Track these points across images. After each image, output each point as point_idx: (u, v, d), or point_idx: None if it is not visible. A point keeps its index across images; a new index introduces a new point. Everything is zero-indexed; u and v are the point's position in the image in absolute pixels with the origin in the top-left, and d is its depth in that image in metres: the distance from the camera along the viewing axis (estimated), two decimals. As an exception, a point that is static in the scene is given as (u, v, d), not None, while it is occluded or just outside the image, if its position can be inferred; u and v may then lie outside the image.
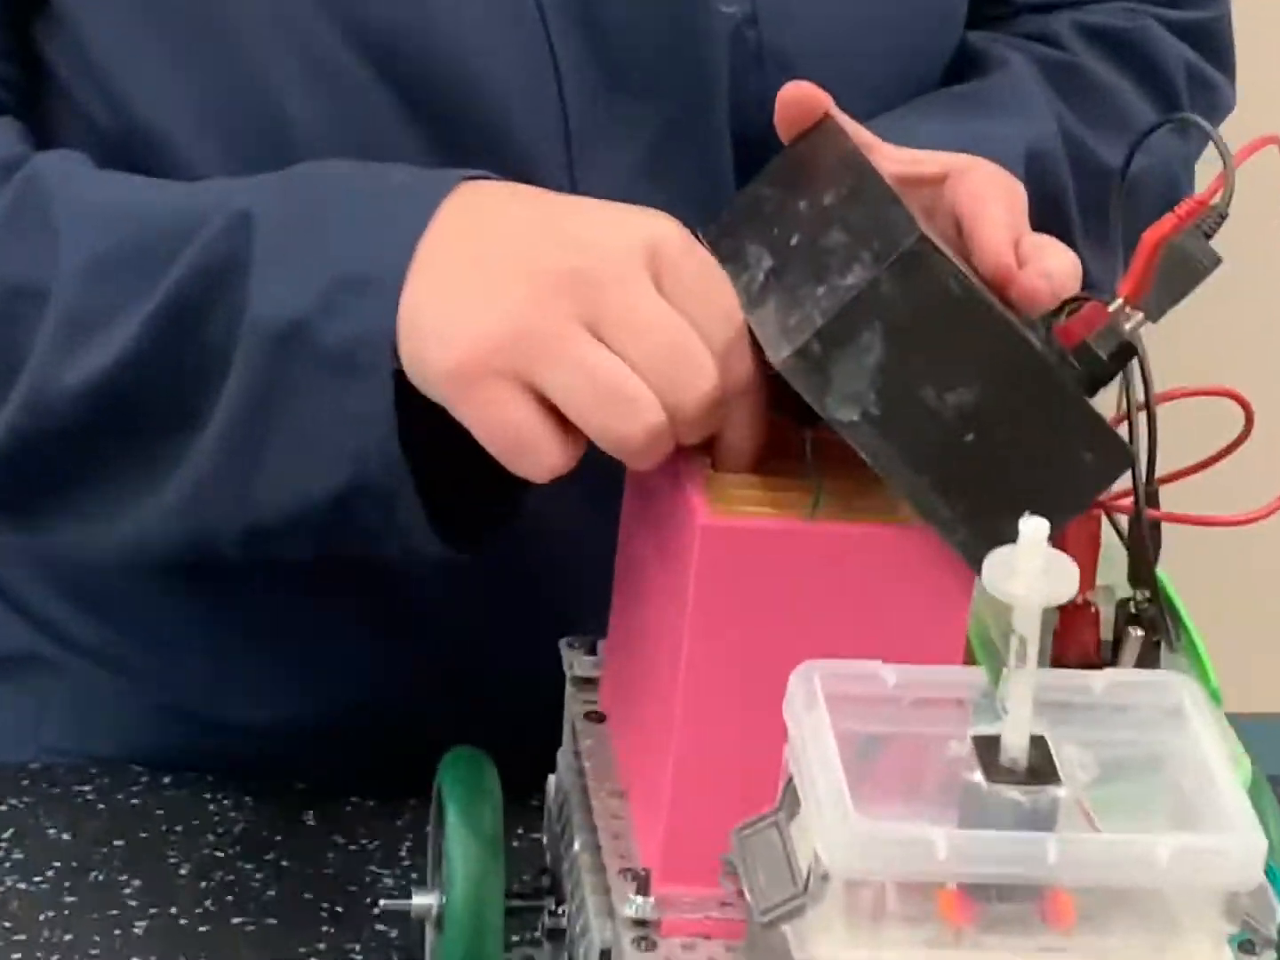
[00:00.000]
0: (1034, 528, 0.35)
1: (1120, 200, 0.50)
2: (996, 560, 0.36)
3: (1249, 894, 0.36)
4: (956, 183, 0.51)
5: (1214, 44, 0.73)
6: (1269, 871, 0.37)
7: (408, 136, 0.56)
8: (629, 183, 0.57)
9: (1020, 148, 0.61)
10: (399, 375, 0.46)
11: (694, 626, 0.43)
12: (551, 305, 0.44)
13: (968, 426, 0.43)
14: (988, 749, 0.36)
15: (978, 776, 0.36)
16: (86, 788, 0.66)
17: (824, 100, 0.49)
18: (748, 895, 0.37)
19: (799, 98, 0.48)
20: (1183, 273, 0.45)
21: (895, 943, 0.36)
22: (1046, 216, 0.55)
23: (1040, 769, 0.36)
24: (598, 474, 0.46)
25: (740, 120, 0.59)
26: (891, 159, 0.49)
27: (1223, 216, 0.46)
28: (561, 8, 0.56)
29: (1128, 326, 0.45)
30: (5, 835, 0.63)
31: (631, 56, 0.58)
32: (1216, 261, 0.45)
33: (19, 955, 0.57)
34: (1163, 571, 0.47)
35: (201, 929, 0.58)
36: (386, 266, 0.46)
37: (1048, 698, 0.38)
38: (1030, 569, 0.35)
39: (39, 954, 0.57)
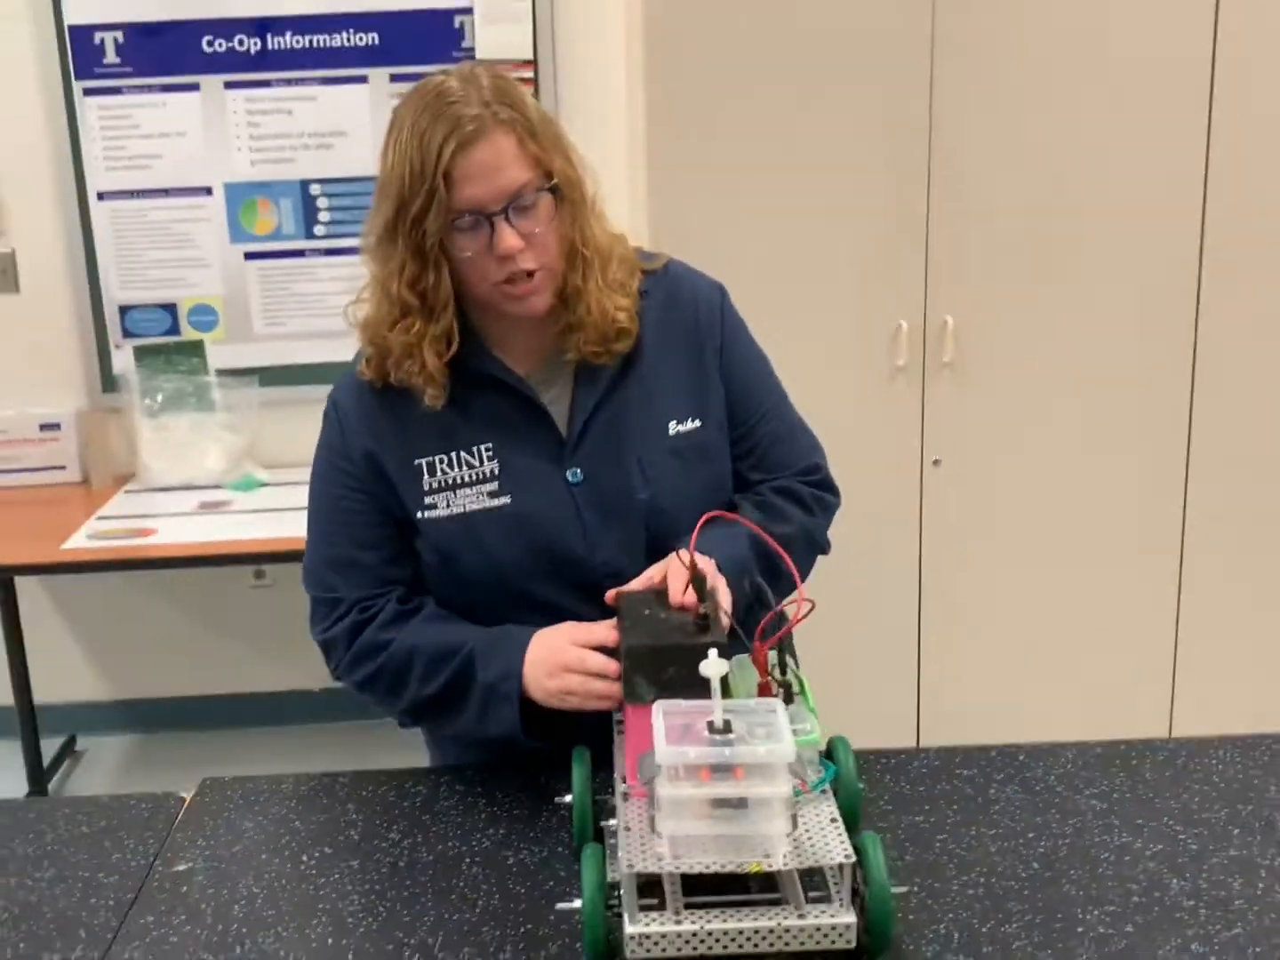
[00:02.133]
0: (715, 662, 1.19)
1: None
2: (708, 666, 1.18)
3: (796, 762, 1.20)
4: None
5: (826, 483, 1.67)
6: (824, 763, 1.29)
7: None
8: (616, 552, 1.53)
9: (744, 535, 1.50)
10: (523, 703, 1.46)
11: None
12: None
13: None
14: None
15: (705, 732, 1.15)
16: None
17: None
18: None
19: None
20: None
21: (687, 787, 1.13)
22: (757, 554, 1.50)
23: (728, 728, 1.15)
24: None
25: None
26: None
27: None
28: (589, 502, 1.54)
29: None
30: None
31: (602, 514, 1.52)
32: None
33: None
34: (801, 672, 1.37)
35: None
36: (515, 674, 1.45)
37: (734, 708, 1.18)
38: (713, 668, 1.18)
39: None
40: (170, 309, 3.37)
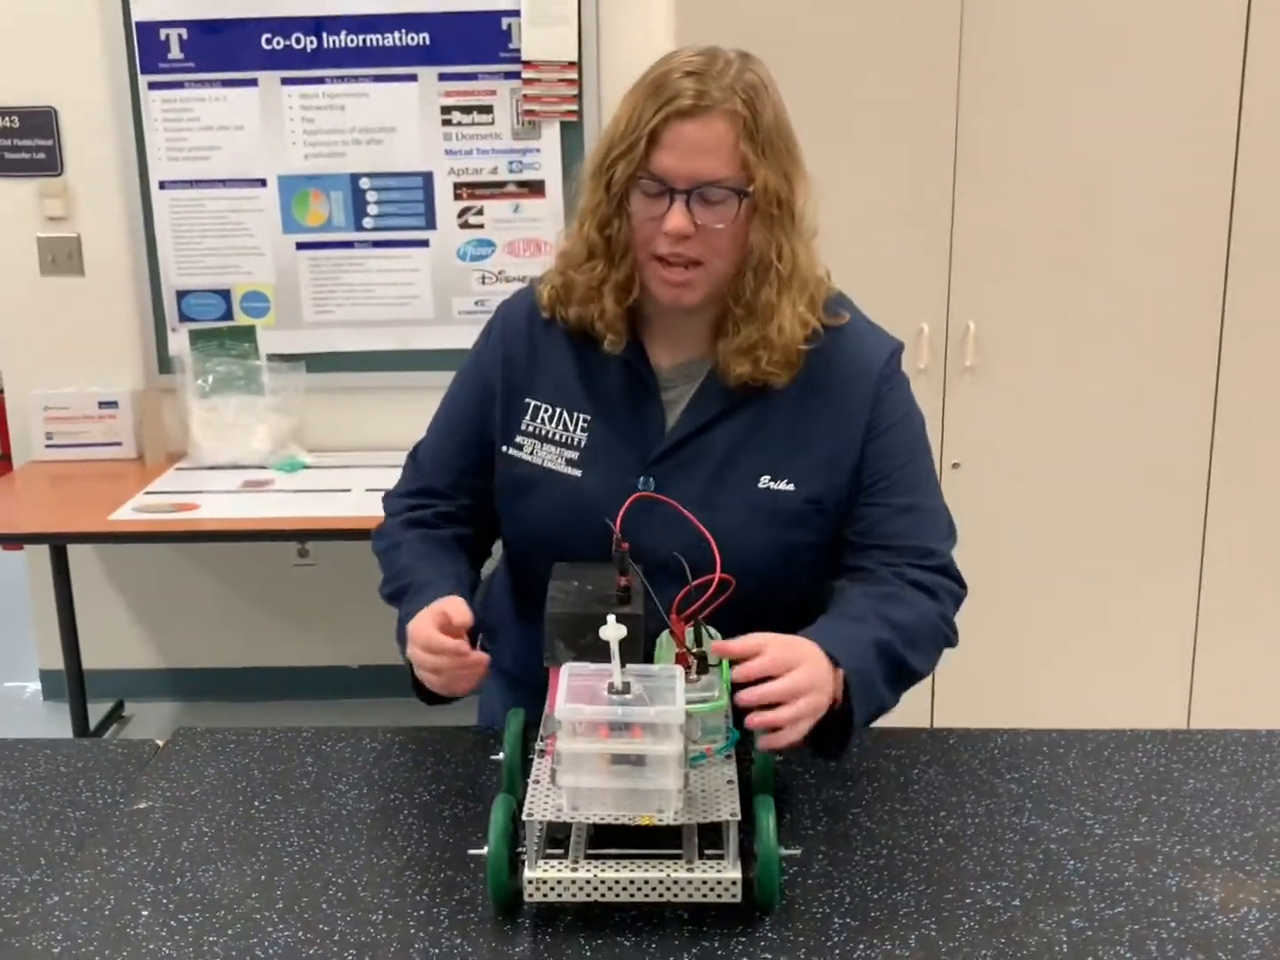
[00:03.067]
0: (613, 627, 1.26)
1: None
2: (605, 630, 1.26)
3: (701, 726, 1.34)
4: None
5: (947, 570, 1.54)
6: (731, 731, 1.34)
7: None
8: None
9: (870, 639, 1.42)
10: None
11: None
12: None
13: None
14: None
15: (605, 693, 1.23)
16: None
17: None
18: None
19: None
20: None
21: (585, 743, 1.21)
22: (885, 667, 1.43)
23: (627, 689, 1.23)
24: None
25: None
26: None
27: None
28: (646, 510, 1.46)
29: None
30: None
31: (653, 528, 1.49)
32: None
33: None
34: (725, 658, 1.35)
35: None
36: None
37: (639, 672, 1.26)
38: (611, 631, 1.26)
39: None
40: (224, 295, 3.50)
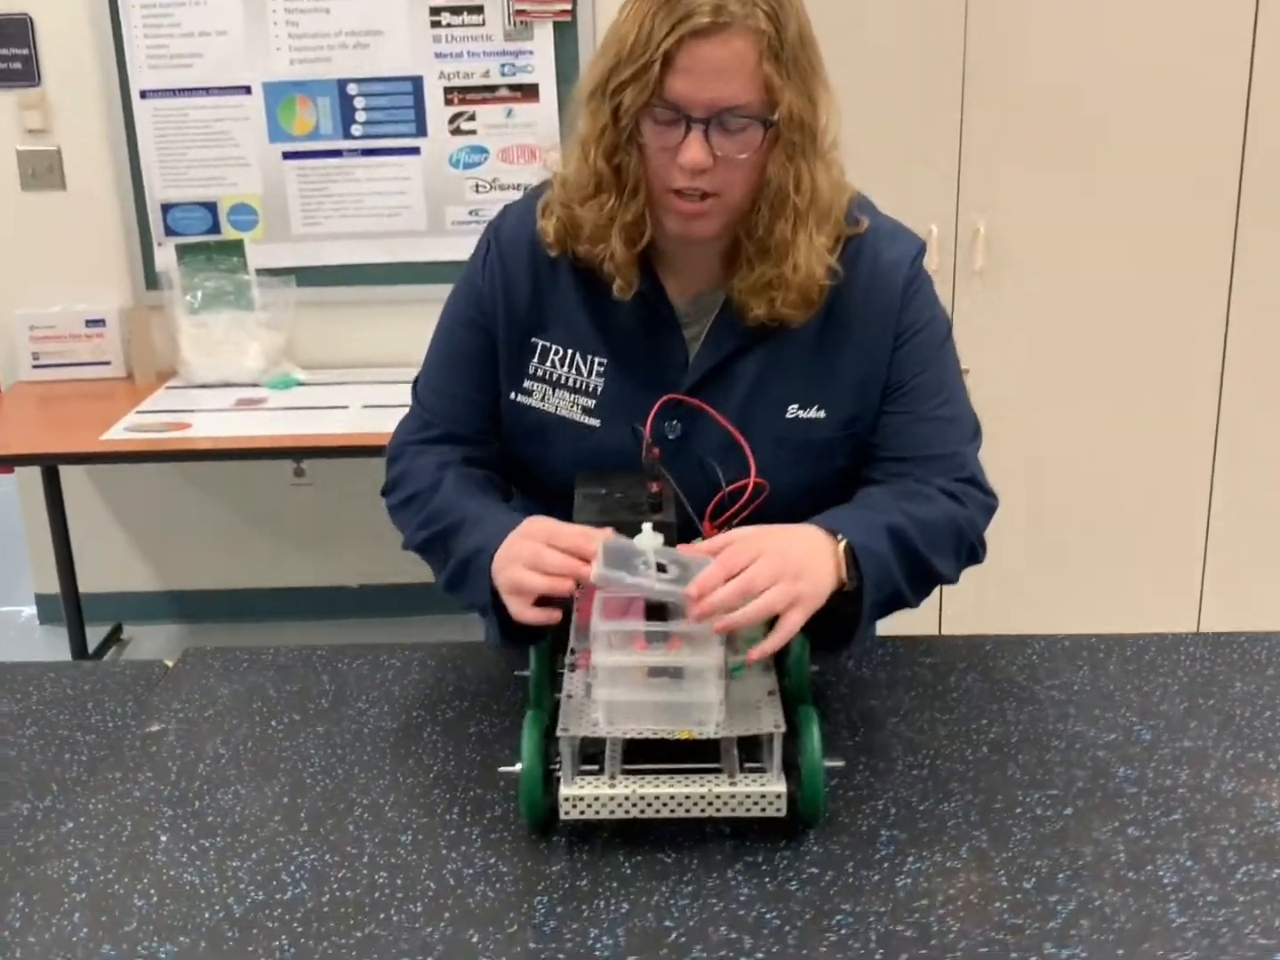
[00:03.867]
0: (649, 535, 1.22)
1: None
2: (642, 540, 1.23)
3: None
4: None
5: (973, 480, 1.44)
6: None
7: None
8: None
9: (882, 523, 1.32)
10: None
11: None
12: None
13: None
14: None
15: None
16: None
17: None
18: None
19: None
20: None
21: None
22: (899, 554, 1.32)
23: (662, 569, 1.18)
24: None
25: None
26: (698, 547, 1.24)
27: None
28: (671, 461, 1.36)
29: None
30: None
31: (678, 478, 1.34)
32: None
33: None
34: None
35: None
36: (490, 552, 1.30)
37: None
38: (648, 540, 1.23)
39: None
40: (211, 208, 3.40)
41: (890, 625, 1.47)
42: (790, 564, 1.22)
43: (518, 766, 1.18)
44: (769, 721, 1.16)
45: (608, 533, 1.21)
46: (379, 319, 3.41)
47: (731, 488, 1.29)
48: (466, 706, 1.42)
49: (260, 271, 3.39)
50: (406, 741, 1.35)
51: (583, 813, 1.16)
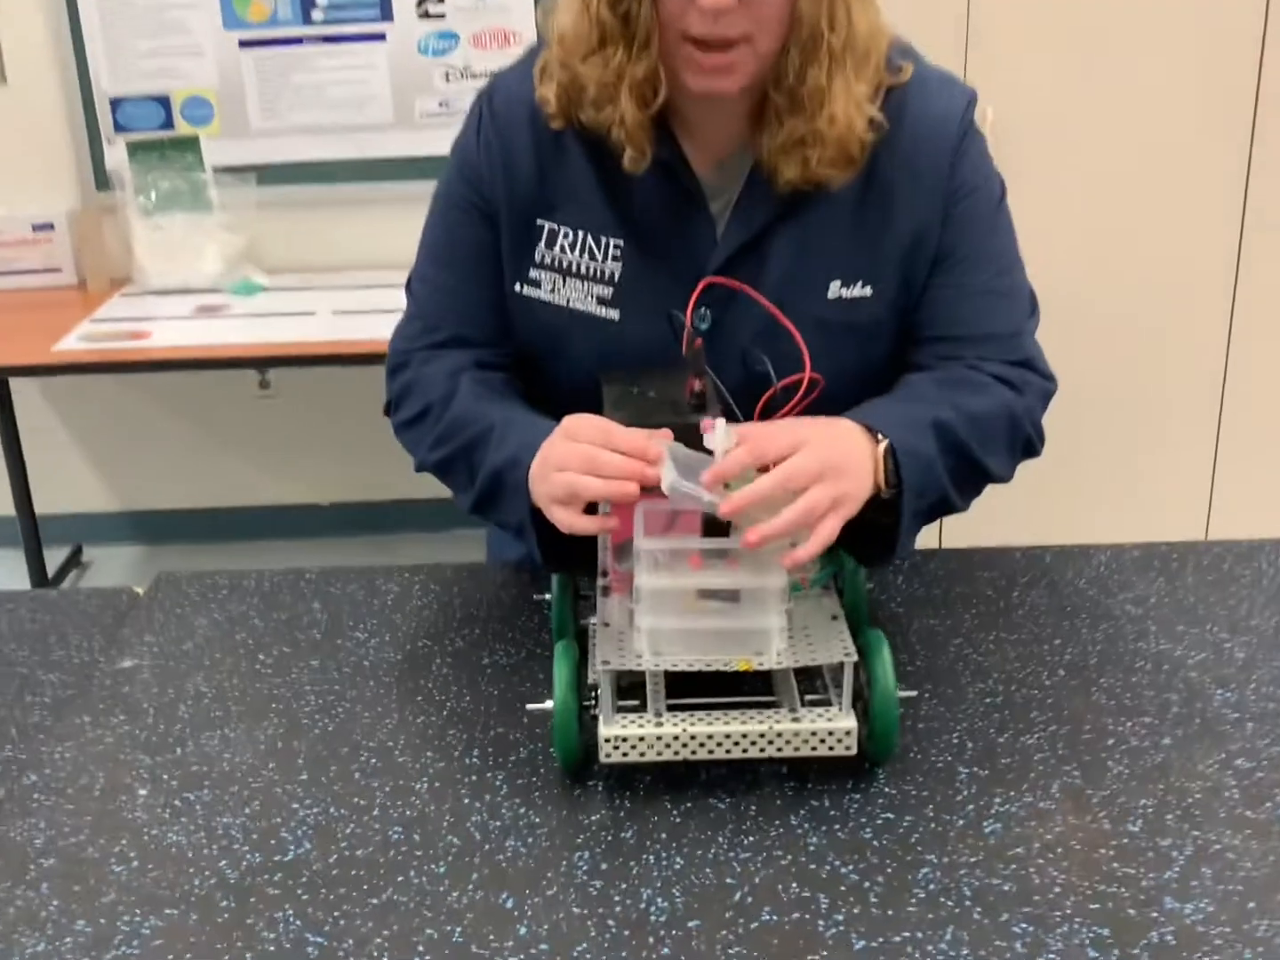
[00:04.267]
0: (722, 432, 1.03)
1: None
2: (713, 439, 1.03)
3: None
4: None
5: (1029, 362, 1.29)
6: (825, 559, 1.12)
7: None
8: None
9: (927, 417, 1.17)
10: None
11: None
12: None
13: None
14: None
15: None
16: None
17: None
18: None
19: None
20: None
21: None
22: (946, 452, 1.17)
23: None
24: None
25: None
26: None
27: None
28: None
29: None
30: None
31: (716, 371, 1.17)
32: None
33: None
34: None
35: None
36: (526, 462, 1.15)
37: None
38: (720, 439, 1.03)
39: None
40: (163, 102, 3.18)
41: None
42: (834, 458, 1.06)
43: (548, 704, 1.04)
44: (837, 649, 1.02)
45: (666, 434, 1.05)
46: (346, 219, 3.22)
47: (784, 382, 1.13)
48: (478, 635, 1.27)
49: (218, 170, 3.18)
50: (414, 675, 1.20)
51: (625, 755, 1.01)
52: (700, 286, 1.14)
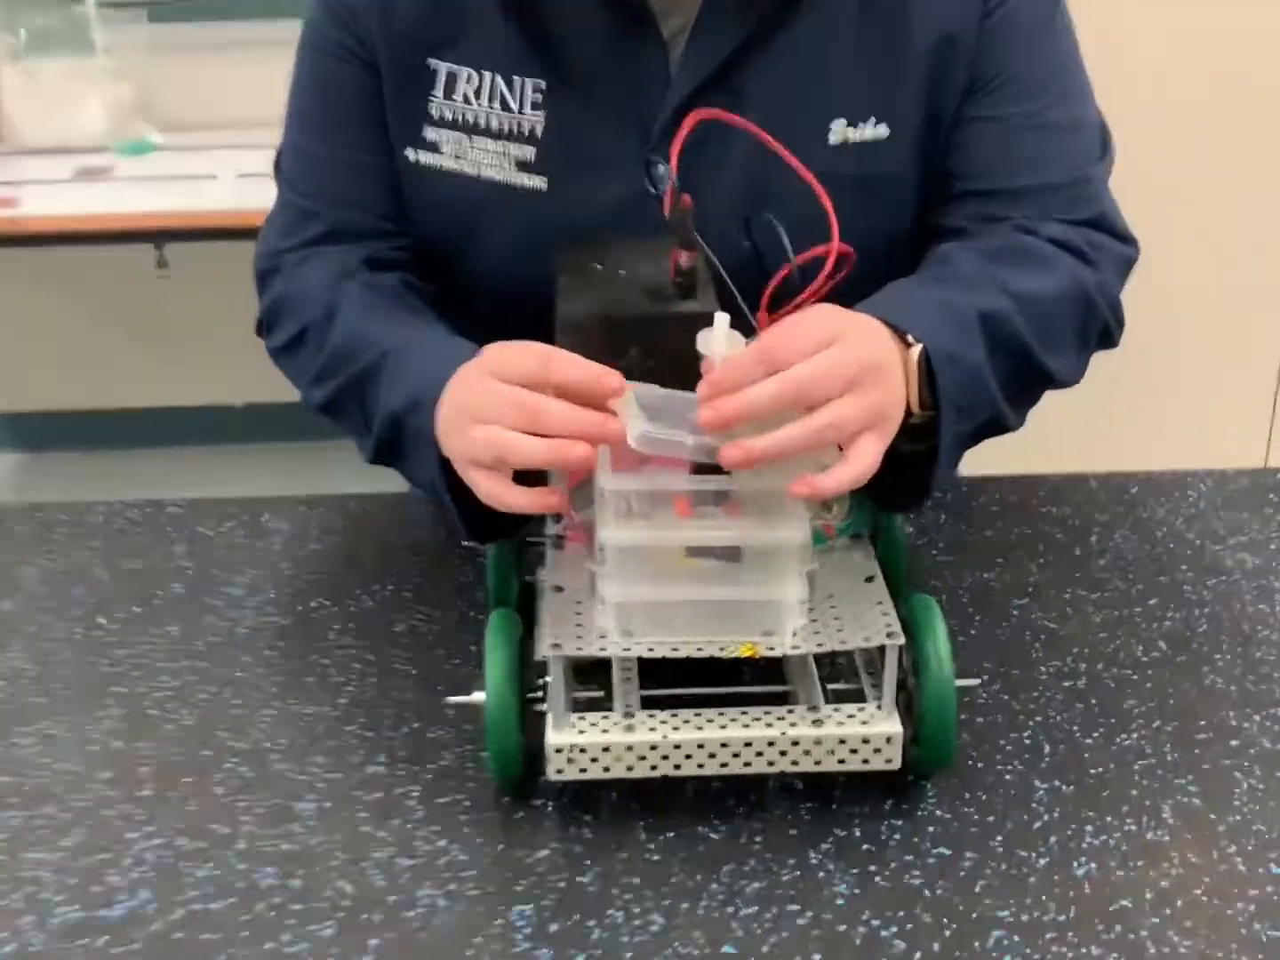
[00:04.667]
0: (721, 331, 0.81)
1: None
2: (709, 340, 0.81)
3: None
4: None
5: (1101, 220, 1.08)
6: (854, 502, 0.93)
7: None
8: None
9: (973, 308, 0.95)
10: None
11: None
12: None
13: None
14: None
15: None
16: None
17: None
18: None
19: None
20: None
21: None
22: (996, 351, 0.95)
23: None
24: None
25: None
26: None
27: None
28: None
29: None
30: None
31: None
32: None
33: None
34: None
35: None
36: (429, 400, 0.92)
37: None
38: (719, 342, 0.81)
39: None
40: (32, -81, 2.95)
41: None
42: (876, 358, 0.85)
43: (477, 696, 0.83)
44: (877, 627, 0.81)
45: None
46: (254, 65, 2.97)
47: (801, 258, 0.90)
48: (390, 593, 1.07)
49: (101, 4, 2.97)
50: (302, 649, 1.01)
51: (583, 769, 0.81)
52: (689, 123, 0.89)
